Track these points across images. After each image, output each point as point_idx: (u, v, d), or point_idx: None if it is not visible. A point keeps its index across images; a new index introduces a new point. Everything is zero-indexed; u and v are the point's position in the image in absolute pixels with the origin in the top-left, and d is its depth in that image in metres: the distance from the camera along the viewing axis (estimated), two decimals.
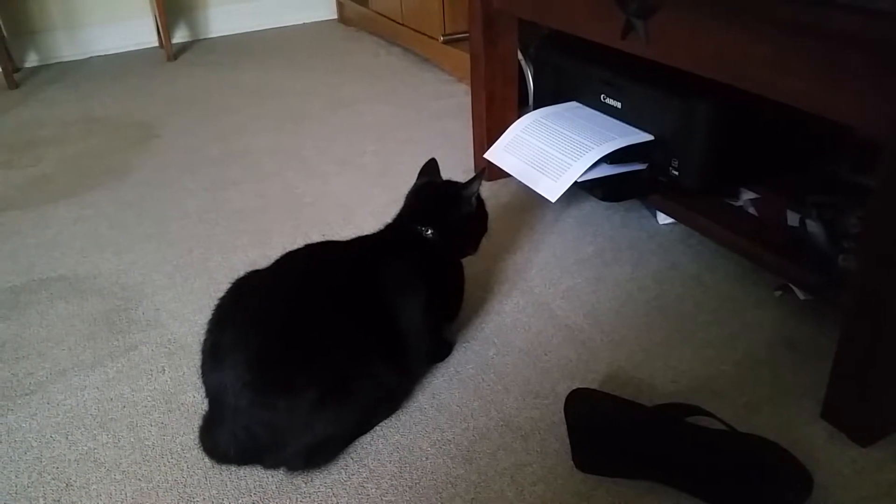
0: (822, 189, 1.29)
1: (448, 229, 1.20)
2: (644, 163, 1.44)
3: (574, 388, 1.08)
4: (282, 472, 1.03)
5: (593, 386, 1.15)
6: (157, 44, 3.35)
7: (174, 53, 3.18)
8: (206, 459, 1.05)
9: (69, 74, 3.04)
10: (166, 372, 1.24)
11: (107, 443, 1.11)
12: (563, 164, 1.43)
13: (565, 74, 1.64)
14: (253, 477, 1.03)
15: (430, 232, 1.19)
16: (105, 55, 3.29)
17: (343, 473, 1.03)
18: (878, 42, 0.87)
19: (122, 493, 1.02)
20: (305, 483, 1.01)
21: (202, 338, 1.05)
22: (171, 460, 1.06)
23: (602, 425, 1.02)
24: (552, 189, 1.42)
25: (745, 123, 1.31)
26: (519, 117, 1.63)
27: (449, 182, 1.26)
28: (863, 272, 0.96)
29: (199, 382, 1.07)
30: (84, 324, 1.38)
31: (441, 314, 1.22)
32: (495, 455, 1.04)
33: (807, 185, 1.33)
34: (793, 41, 0.98)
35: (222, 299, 1.08)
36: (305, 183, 1.91)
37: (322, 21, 3.69)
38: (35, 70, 3.13)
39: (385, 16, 3.11)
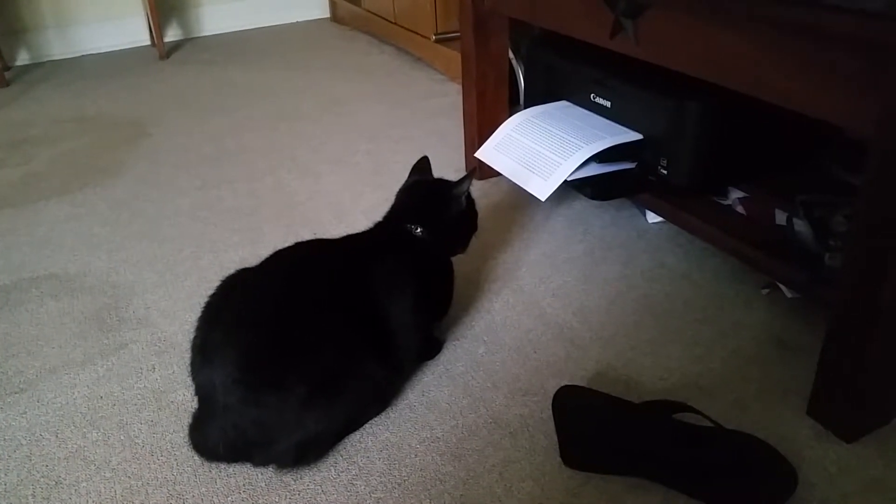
0: (811, 188, 1.30)
1: (438, 228, 1.21)
2: (633, 162, 1.45)
3: (563, 385, 1.09)
4: (271, 469, 1.03)
5: (582, 383, 1.16)
6: (149, 42, 3.35)
7: (166, 52, 3.17)
8: (196, 457, 1.05)
9: (60, 73, 3.03)
10: (156, 370, 1.24)
11: (97, 441, 1.11)
12: (553, 163, 1.43)
13: (556, 74, 1.65)
14: (242, 475, 1.03)
15: (419, 230, 1.19)
16: (97, 53, 3.29)
17: (332, 471, 1.03)
18: (865, 42, 0.87)
19: (112, 490, 1.02)
20: (295, 480, 1.02)
21: (192, 335, 1.06)
22: (160, 458, 1.07)
23: (590, 422, 1.03)
24: (542, 188, 1.42)
25: (734, 123, 1.32)
26: (510, 116, 1.64)
27: (439, 180, 1.27)
28: (849, 271, 0.97)
29: (188, 380, 1.08)
30: (74, 322, 1.38)
31: (431, 312, 1.22)
32: (484, 452, 1.05)
33: (795, 183, 1.33)
34: (781, 41, 0.99)
35: (212, 297, 1.08)
36: (298, 182, 1.91)
37: (315, 20, 3.69)
38: (26, 68, 3.13)
39: (378, 15, 3.11)
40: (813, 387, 1.07)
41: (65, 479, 1.04)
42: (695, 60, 1.15)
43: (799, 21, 0.94)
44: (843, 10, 0.87)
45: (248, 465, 1.04)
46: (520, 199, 1.72)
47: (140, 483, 1.03)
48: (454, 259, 1.26)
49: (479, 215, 1.30)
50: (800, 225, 1.21)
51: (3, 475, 1.05)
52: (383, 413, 1.12)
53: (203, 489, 1.01)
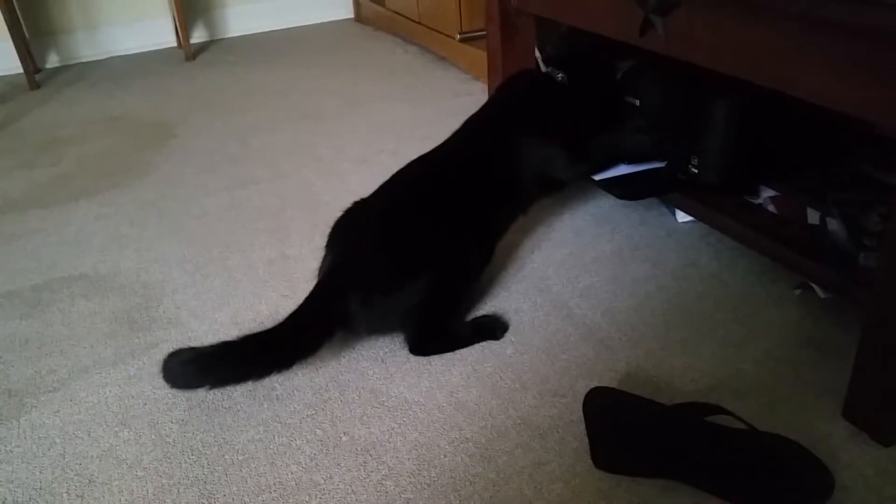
0: (843, 186, 1.28)
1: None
2: (663, 160, 1.44)
3: (592, 386, 1.08)
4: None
5: (612, 384, 1.15)
6: (175, 44, 3.38)
7: (192, 53, 3.20)
8: (227, 456, 1.07)
9: (89, 75, 3.07)
10: None
11: (128, 440, 1.12)
12: None
13: None
14: (273, 474, 1.03)
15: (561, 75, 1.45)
16: (124, 55, 3.32)
17: (362, 471, 1.03)
18: None
19: (144, 489, 1.03)
20: (325, 480, 1.02)
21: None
22: (191, 457, 1.07)
23: (621, 424, 1.02)
24: None
25: (765, 120, 1.30)
26: None
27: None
28: (885, 271, 0.96)
29: None
30: (105, 322, 1.40)
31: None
32: (513, 453, 1.04)
33: (827, 182, 1.31)
34: (813, 37, 0.97)
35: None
36: (323, 181, 1.92)
37: (339, 20, 3.70)
38: (56, 71, 3.17)
39: (402, 14, 3.11)
40: (848, 389, 1.05)
41: (98, 478, 1.05)
42: (725, 57, 1.13)
43: (832, 16, 0.92)
44: (877, 4, 0.86)
45: (278, 467, 1.04)
46: (547, 199, 1.71)
47: (171, 482, 1.04)
48: None
49: None
50: (833, 224, 1.19)
51: (37, 473, 1.07)
52: (412, 413, 1.13)
53: (234, 488, 1.02)
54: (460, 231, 1.25)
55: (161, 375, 1.12)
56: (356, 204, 1.33)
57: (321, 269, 1.26)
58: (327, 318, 1.18)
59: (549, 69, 1.46)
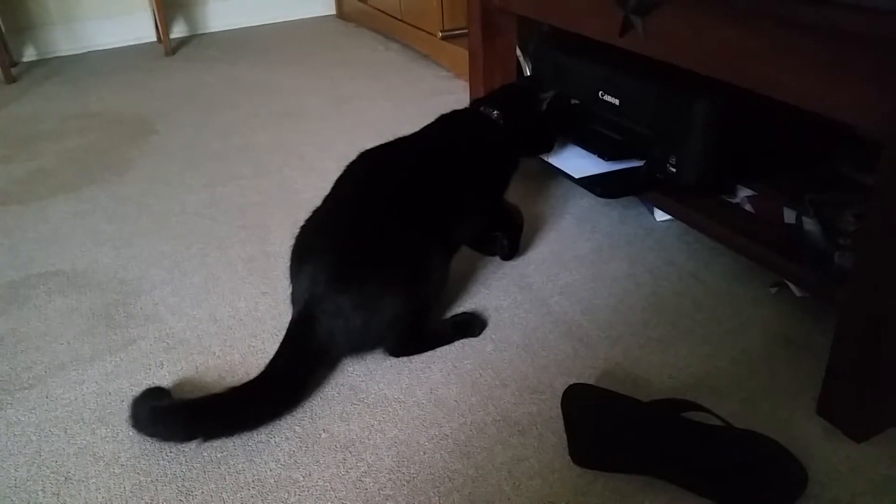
0: (820, 187, 1.29)
1: (514, 117, 1.41)
2: (642, 160, 1.45)
3: (571, 383, 1.09)
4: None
5: (590, 381, 1.16)
6: (155, 39, 3.35)
7: (172, 48, 3.17)
8: (205, 453, 1.06)
9: (67, 69, 3.04)
10: (164, 366, 1.24)
11: (105, 437, 1.11)
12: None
13: (564, 71, 1.64)
14: (251, 471, 1.03)
15: (496, 113, 1.40)
16: (103, 50, 3.29)
17: (341, 467, 1.03)
18: (877, 40, 0.87)
19: (121, 486, 1.02)
20: (304, 477, 1.02)
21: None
22: (169, 454, 1.07)
23: (599, 420, 1.03)
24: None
25: (743, 121, 1.32)
26: None
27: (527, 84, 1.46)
28: (860, 270, 0.97)
29: (197, 377, 1.08)
30: (82, 318, 1.39)
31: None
32: (492, 450, 1.05)
33: (804, 182, 1.33)
34: (791, 39, 0.99)
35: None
36: (304, 178, 1.91)
37: (321, 16, 3.69)
38: (33, 65, 3.13)
39: (384, 11, 3.11)
40: (822, 386, 1.07)
41: (74, 475, 1.04)
42: (705, 58, 1.14)
43: (811, 19, 0.94)
44: (855, 9, 0.87)
45: (257, 463, 1.04)
46: (527, 197, 1.72)
47: (149, 479, 1.03)
48: (461, 258, 1.26)
49: None
50: (809, 223, 1.21)
51: (13, 471, 1.06)
52: (391, 410, 1.13)
53: (212, 485, 1.01)
54: (422, 235, 1.22)
55: (131, 423, 1.09)
56: (311, 220, 1.29)
57: (293, 297, 1.21)
58: (310, 363, 1.16)
59: (484, 108, 1.42)
